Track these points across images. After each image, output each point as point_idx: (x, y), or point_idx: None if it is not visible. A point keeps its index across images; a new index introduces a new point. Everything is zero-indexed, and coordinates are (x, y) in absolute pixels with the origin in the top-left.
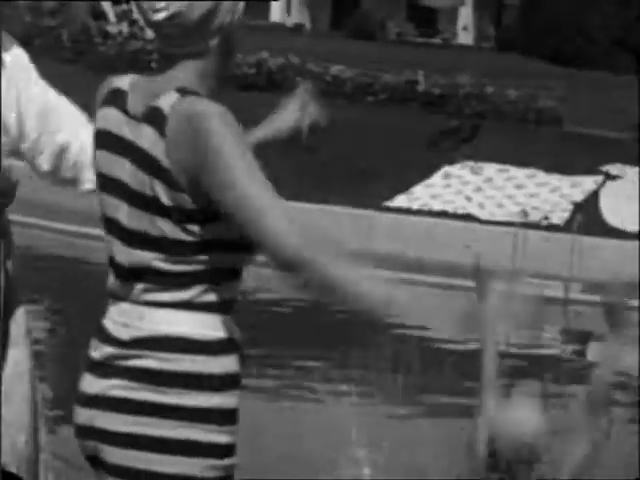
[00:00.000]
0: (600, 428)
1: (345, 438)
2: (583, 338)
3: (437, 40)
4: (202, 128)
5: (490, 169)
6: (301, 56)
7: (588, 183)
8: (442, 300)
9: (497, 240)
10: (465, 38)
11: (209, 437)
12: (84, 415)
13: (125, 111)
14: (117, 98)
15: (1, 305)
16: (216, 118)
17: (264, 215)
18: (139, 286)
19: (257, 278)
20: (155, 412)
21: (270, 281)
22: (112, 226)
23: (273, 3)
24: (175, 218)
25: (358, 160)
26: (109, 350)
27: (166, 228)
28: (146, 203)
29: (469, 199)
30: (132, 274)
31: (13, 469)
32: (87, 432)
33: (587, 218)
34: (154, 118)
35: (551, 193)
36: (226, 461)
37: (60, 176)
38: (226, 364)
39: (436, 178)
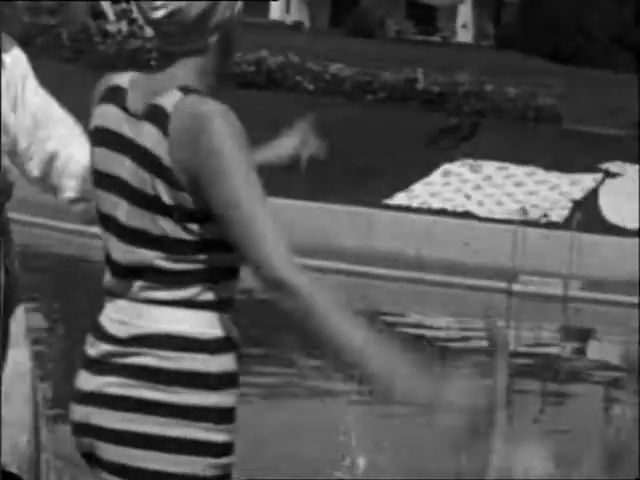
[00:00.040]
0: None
1: (345, 438)
2: (582, 336)
3: (436, 38)
4: (205, 129)
5: (489, 167)
6: (300, 54)
7: (587, 181)
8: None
9: (496, 238)
10: (464, 36)
11: (207, 436)
12: (80, 412)
13: (124, 108)
14: (116, 95)
15: (1, 304)
16: (219, 119)
17: (256, 227)
18: (137, 284)
19: None
20: (153, 410)
21: None
22: (109, 223)
23: (272, 1)
24: (176, 217)
25: (357, 158)
26: (106, 347)
27: (167, 227)
28: (147, 202)
29: (468, 197)
30: (130, 272)
31: (14, 469)
32: (83, 429)
33: (586, 216)
34: (156, 116)
35: (550, 191)
36: (224, 460)
37: (49, 183)
38: (224, 363)
39: (435, 176)
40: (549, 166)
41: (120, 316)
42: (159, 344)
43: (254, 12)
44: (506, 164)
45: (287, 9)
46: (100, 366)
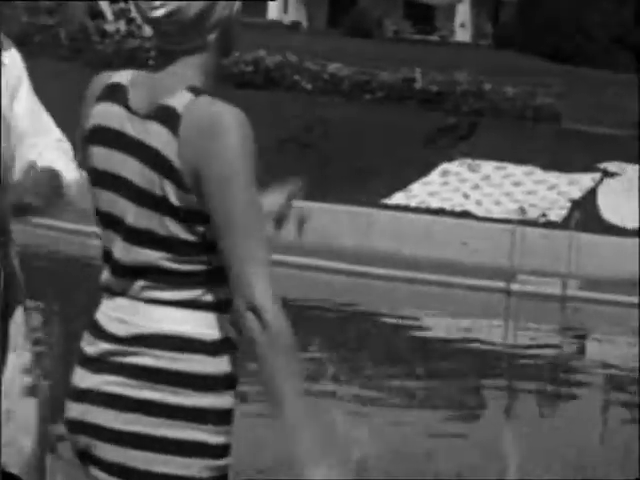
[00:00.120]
0: None
1: (345, 437)
2: (581, 335)
3: (434, 37)
4: (217, 131)
5: (488, 166)
6: (298, 54)
7: (586, 180)
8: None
9: (495, 237)
10: (462, 35)
11: (204, 437)
12: (76, 410)
13: (127, 107)
14: (117, 94)
15: (1, 303)
16: (232, 123)
17: (247, 243)
18: (140, 283)
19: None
20: (151, 410)
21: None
22: (112, 222)
23: (270, 1)
24: (182, 218)
25: (356, 158)
26: (104, 346)
27: (173, 228)
28: (155, 203)
29: (467, 196)
30: (133, 271)
31: (14, 470)
32: (78, 427)
33: (585, 215)
34: (166, 117)
35: (549, 190)
36: (221, 461)
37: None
38: (223, 364)
39: (434, 176)
40: (548, 166)
41: (119, 314)
42: (160, 344)
43: (252, 12)
44: (504, 164)
45: (285, 9)
46: (98, 364)
